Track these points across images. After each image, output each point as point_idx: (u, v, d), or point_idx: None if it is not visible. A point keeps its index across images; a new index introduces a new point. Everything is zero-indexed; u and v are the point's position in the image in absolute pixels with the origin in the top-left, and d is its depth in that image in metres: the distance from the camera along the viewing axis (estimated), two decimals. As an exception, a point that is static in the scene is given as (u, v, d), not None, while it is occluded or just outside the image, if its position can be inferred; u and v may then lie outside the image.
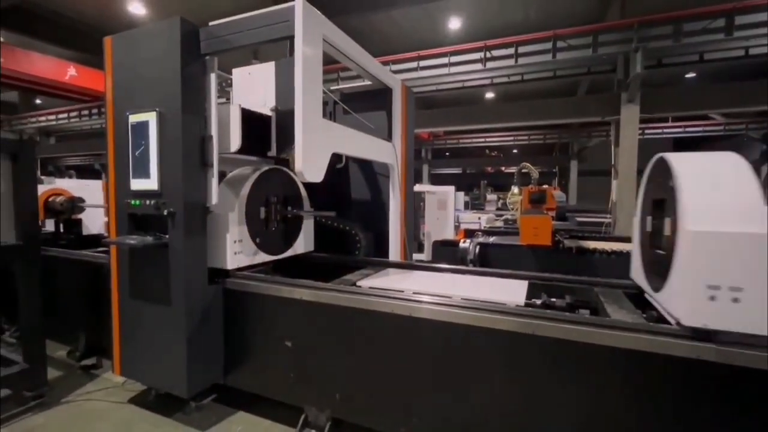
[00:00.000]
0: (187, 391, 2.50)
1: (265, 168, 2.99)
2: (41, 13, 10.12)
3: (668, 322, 1.84)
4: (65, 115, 14.46)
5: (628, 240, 5.00)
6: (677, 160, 1.87)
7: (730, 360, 1.57)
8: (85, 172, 16.71)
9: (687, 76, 12.84)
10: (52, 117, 14.86)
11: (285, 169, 3.19)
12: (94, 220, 4.84)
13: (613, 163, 8.44)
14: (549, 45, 7.97)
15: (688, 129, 15.12)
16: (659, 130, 15.25)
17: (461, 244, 4.36)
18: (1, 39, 7.84)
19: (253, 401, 2.74)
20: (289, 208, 3.20)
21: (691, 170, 1.79)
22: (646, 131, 14.72)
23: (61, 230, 4.61)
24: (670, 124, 15.10)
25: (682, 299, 1.67)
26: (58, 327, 3.51)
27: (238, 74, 3.25)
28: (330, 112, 3.56)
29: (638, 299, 2.30)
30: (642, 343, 1.70)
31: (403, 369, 2.19)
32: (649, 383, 1.73)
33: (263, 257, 2.97)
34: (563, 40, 7.90)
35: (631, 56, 7.43)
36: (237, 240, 2.72)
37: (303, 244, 3.38)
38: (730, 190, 1.69)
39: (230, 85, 3.40)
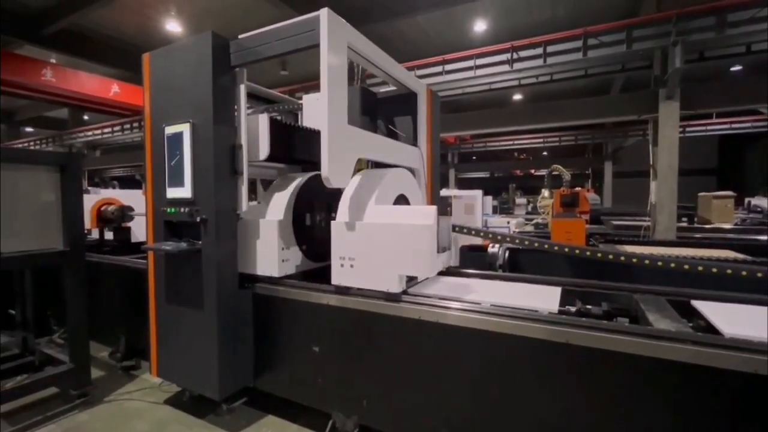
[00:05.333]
0: (218, 393, 2.56)
1: (310, 174, 2.98)
2: (88, 35, 10.87)
3: (718, 332, 1.71)
4: (109, 129, 15.40)
5: (669, 244, 4.73)
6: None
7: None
8: (127, 182, 17.70)
9: (732, 69, 12.05)
10: (98, 131, 15.85)
11: None
12: (142, 228, 5.05)
13: (651, 163, 8.02)
14: (579, 43, 7.69)
15: (734, 125, 14.18)
16: (702, 128, 14.38)
17: (490, 249, 4.26)
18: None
19: (282, 405, 2.77)
20: (333, 215, 3.17)
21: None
22: (687, 129, 13.92)
23: (113, 237, 4.81)
24: (714, 120, 14.21)
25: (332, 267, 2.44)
26: (101, 329, 3.71)
27: (308, 100, 3.43)
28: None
29: (683, 307, 2.16)
30: (688, 354, 1.59)
31: (431, 377, 2.15)
32: (696, 399, 1.60)
33: (309, 264, 2.93)
34: (594, 37, 7.61)
35: (669, 51, 7.04)
36: (285, 247, 2.71)
37: None
38: (362, 195, 2.47)
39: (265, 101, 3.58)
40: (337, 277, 2.41)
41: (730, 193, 8.81)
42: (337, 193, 3.26)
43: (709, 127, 14.41)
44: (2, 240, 2.57)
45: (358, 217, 2.39)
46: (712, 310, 2.02)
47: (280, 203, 2.78)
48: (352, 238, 2.34)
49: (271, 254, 2.66)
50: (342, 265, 2.38)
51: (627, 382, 1.71)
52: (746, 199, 11.30)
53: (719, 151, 21.19)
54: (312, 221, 2.99)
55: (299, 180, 2.92)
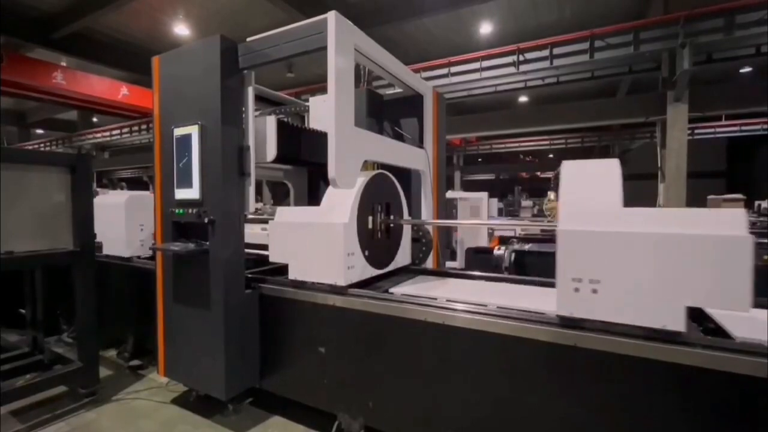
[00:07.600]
0: (225, 393, 2.58)
1: (373, 173, 2.86)
2: (98, 38, 11.04)
3: (728, 336, 1.69)
4: (118, 131, 15.60)
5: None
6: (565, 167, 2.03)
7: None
8: (135, 184, 17.88)
9: (742, 71, 11.94)
10: (107, 133, 16.07)
11: (388, 173, 3.04)
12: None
13: (659, 165, 7.97)
14: (586, 45, 7.69)
15: (744, 128, 14.03)
16: (711, 130, 14.25)
17: (496, 252, 4.24)
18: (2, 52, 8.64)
19: (288, 406, 2.78)
20: (392, 217, 3.01)
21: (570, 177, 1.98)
22: (696, 131, 13.80)
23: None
24: (723, 122, 14.07)
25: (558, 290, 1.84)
26: (109, 329, 3.74)
27: (314, 102, 3.38)
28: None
29: (692, 310, 2.13)
30: (698, 358, 1.57)
31: (437, 379, 2.14)
32: (707, 403, 1.59)
33: (371, 271, 2.77)
34: (601, 39, 7.59)
35: (677, 52, 7.02)
36: (350, 253, 2.51)
37: (403, 255, 3.21)
38: (596, 194, 1.86)
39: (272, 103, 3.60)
40: (567, 305, 1.80)
41: (739, 196, 8.72)
42: (396, 194, 3.10)
43: (718, 130, 14.28)
44: (15, 240, 2.61)
45: (599, 224, 1.77)
46: (722, 313, 1.99)
47: (344, 204, 2.55)
48: (597, 253, 1.74)
49: (335, 261, 2.45)
50: (577, 290, 1.77)
51: (636, 385, 1.69)
52: (756, 203, 11.13)
53: (728, 153, 20.95)
54: (374, 224, 2.80)
55: (362, 179, 2.68)
